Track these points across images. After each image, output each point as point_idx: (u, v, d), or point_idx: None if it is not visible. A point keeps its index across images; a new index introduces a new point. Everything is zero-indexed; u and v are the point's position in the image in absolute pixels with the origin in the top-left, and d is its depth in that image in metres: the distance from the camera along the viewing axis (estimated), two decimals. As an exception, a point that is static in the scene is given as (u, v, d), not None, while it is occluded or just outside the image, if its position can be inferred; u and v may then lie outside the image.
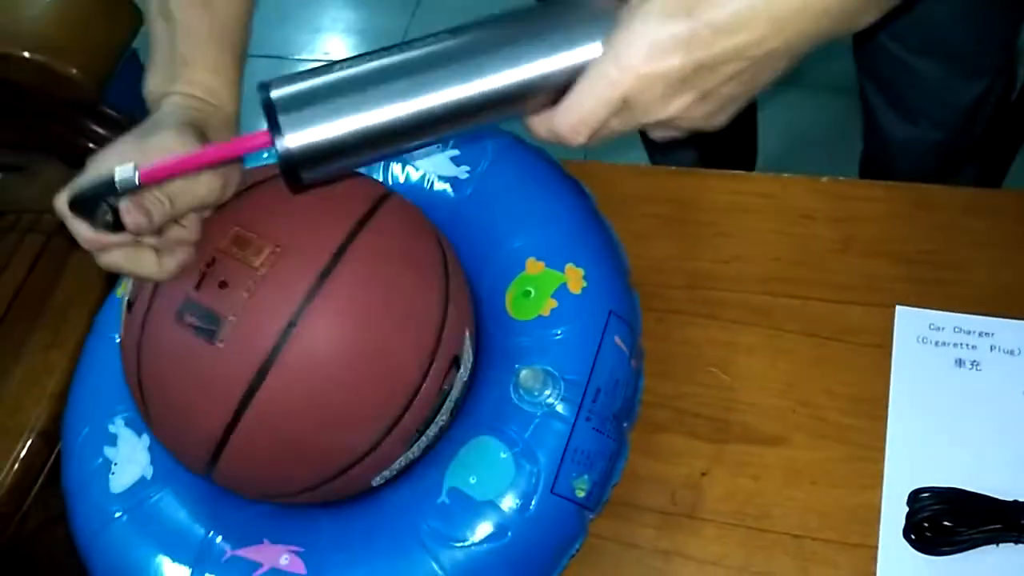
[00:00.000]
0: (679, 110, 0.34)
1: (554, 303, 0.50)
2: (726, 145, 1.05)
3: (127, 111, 0.92)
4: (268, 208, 0.41)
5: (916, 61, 0.72)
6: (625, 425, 0.51)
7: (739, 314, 0.56)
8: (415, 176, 0.57)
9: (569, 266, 0.51)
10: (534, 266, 0.52)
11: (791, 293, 0.56)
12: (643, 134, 0.97)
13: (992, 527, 0.44)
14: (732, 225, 0.60)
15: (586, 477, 0.47)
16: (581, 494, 0.46)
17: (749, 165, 1.13)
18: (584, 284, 0.51)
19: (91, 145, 0.93)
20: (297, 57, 1.61)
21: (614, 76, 0.32)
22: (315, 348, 0.39)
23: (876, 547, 0.48)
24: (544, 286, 0.51)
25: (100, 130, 0.94)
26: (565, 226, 0.53)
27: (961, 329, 0.52)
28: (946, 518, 0.46)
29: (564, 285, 0.51)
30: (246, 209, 0.41)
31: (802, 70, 0.35)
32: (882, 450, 0.50)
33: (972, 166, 0.89)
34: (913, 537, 0.46)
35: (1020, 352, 0.51)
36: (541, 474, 0.45)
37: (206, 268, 0.39)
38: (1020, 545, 0.45)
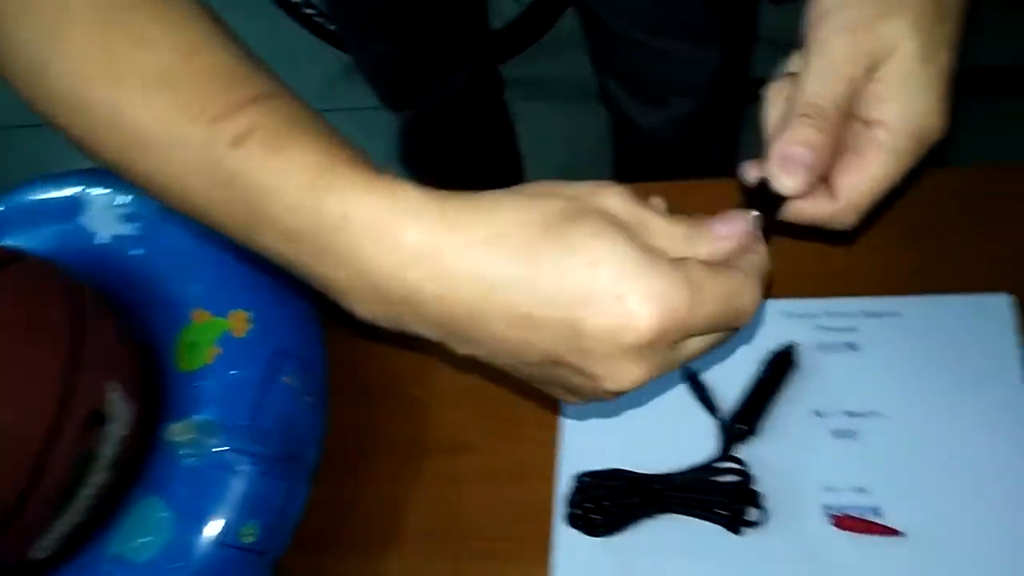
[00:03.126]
0: None
1: (218, 350, 0.50)
2: (489, 169, 1.08)
3: None
4: None
5: (653, 41, 0.75)
6: (307, 461, 0.51)
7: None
8: (97, 235, 0.56)
9: (235, 311, 0.52)
10: (200, 316, 0.52)
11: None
12: None
13: (632, 500, 0.47)
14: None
15: (253, 522, 0.47)
16: (249, 539, 0.47)
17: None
18: (250, 327, 0.51)
19: None
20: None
21: None
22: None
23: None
24: (207, 334, 0.51)
25: None
26: (235, 273, 0.53)
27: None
28: (605, 499, 0.49)
29: (228, 331, 0.51)
30: None
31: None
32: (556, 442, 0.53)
33: (718, 141, 0.93)
34: (579, 522, 0.49)
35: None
36: (201, 528, 0.46)
37: None
38: (673, 515, 0.48)
